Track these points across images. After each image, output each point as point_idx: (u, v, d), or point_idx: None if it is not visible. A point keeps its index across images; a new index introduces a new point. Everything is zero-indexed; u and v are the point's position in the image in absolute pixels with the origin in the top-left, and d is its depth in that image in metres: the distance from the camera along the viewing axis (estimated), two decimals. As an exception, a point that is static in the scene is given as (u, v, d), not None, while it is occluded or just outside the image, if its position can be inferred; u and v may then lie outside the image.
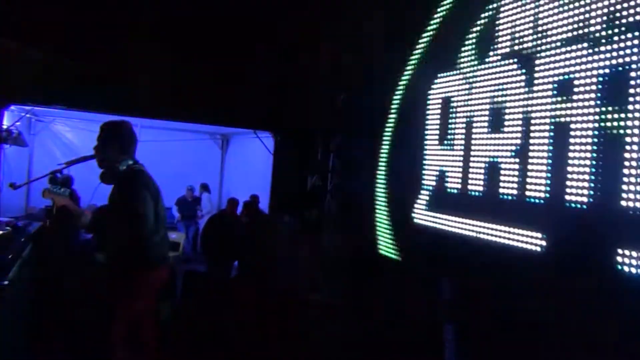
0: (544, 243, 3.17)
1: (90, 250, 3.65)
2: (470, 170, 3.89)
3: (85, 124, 9.37)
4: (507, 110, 3.56)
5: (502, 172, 3.55)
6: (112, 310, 3.39)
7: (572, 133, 3.02)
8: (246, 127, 8.44)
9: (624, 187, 2.67)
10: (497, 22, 3.71)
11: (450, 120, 4.19)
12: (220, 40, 6.50)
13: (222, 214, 8.00)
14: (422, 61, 4.66)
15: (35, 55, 5.72)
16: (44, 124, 10.47)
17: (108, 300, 3.45)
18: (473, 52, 3.96)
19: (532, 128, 3.33)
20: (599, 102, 2.87)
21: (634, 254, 2.59)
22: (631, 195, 2.63)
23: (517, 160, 3.43)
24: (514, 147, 3.47)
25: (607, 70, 2.83)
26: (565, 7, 3.15)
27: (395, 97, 5.03)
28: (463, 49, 4.08)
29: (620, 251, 2.67)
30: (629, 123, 2.67)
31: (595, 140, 2.87)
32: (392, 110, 5.05)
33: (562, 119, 3.09)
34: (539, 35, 3.33)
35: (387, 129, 5.13)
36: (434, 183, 4.33)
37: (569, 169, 3.01)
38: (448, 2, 4.36)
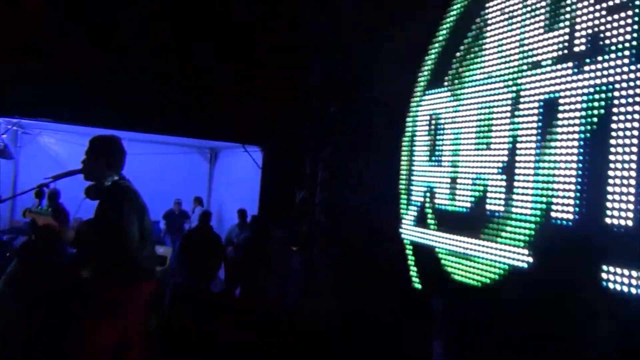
0: (530, 259, 3.20)
1: (75, 265, 3.61)
2: (458, 186, 3.92)
3: (72, 137, 9.32)
4: (493, 128, 3.60)
5: (489, 188, 3.59)
6: (97, 328, 3.34)
7: (557, 151, 3.06)
8: (234, 141, 8.45)
9: (609, 204, 2.71)
10: (484, 41, 3.77)
11: (438, 137, 4.22)
12: (208, 55, 6.52)
13: (200, 227, 8.01)
14: (411, 77, 4.70)
15: (23, 67, 5.70)
16: (30, 136, 10.40)
17: (93, 318, 3.40)
18: (460, 70, 4.01)
19: (518, 145, 3.37)
20: (583, 120, 2.92)
21: (619, 270, 2.62)
22: (615, 213, 2.67)
23: (504, 177, 3.46)
24: (500, 164, 3.51)
25: (591, 90, 2.88)
26: (550, 27, 3.21)
27: (385, 111, 5.06)
28: (450, 66, 4.13)
29: (605, 268, 2.70)
30: (613, 142, 2.72)
31: (581, 157, 2.91)
32: (383, 124, 5.07)
33: (548, 137, 3.14)
34: (525, 54, 3.39)
35: (377, 142, 5.16)
36: (421, 199, 4.35)
37: (555, 185, 3.05)
38: (440, 21, 4.42)
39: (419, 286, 4.23)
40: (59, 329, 3.55)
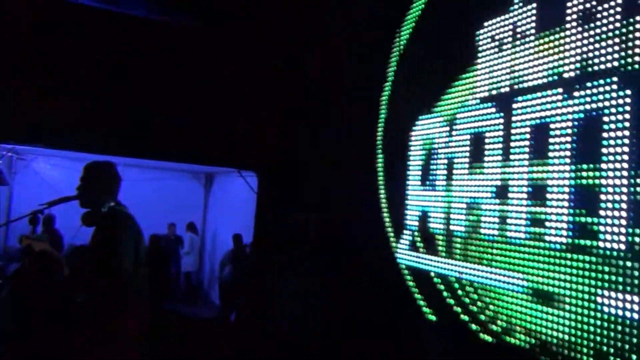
0: (524, 283, 3.20)
1: (69, 291, 3.58)
2: (452, 210, 3.94)
3: (67, 163, 9.33)
4: (486, 152, 3.64)
5: (483, 212, 3.61)
6: (90, 354, 3.30)
7: (550, 175, 3.09)
8: (229, 166, 8.45)
9: (601, 227, 2.73)
10: (476, 67, 3.83)
11: (431, 161, 4.26)
12: (202, 80, 6.57)
13: None
14: (403, 102, 4.76)
15: (17, 94, 5.72)
16: (25, 162, 10.39)
17: (86, 343, 3.36)
18: (452, 95, 4.06)
19: (510, 170, 3.40)
20: (574, 144, 2.96)
21: (613, 294, 2.63)
22: (607, 237, 2.69)
23: (497, 201, 3.49)
24: (494, 189, 3.54)
25: (581, 115, 2.93)
26: (540, 54, 3.27)
27: (377, 136, 5.10)
28: (443, 92, 4.18)
29: (600, 292, 2.71)
30: (604, 166, 2.75)
31: (572, 182, 2.95)
32: (377, 149, 5.11)
33: (540, 161, 3.17)
34: (515, 80, 3.44)
35: (370, 166, 5.19)
36: (416, 223, 4.37)
37: (548, 210, 3.08)
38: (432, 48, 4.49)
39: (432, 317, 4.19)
40: (52, 354, 3.51)
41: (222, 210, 11.68)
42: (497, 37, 3.65)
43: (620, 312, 2.59)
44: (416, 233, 4.35)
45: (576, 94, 2.98)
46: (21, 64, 5.71)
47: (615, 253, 2.65)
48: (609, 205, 2.70)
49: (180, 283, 11.26)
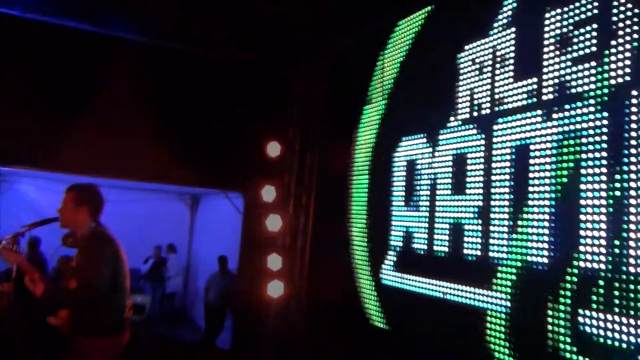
0: (507, 303, 3.21)
1: (43, 313, 3.53)
2: (435, 231, 3.96)
3: (51, 184, 9.24)
4: (468, 173, 3.67)
5: (466, 233, 3.63)
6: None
7: (530, 195, 3.13)
8: (215, 187, 8.44)
9: (582, 248, 2.75)
10: (457, 89, 3.89)
11: (415, 182, 4.29)
12: (187, 102, 6.59)
13: None
14: (386, 123, 4.80)
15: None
16: (8, 184, 10.29)
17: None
18: (435, 116, 4.11)
19: (492, 190, 3.43)
20: (554, 166, 3.00)
21: (594, 314, 2.65)
22: (588, 257, 2.71)
23: (480, 221, 3.51)
24: (476, 209, 3.56)
25: (560, 137, 2.98)
26: (519, 76, 3.33)
27: (362, 156, 5.13)
28: (425, 112, 4.23)
29: (581, 312, 2.72)
30: (583, 186, 2.79)
31: (553, 202, 2.98)
32: (360, 169, 5.13)
33: (521, 182, 3.21)
34: (496, 102, 3.50)
35: (355, 187, 5.20)
36: (400, 244, 4.37)
37: (529, 230, 3.10)
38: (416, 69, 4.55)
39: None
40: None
41: (207, 231, 11.63)
42: (477, 60, 3.72)
43: (601, 333, 2.60)
44: (400, 253, 4.35)
45: (555, 115, 3.03)
46: (2, 86, 5.68)
47: (596, 273, 2.67)
48: (589, 225, 2.73)
49: (165, 305, 11.13)
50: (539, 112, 3.14)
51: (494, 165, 3.44)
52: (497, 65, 3.52)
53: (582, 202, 2.78)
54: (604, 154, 2.71)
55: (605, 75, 2.76)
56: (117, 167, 6.45)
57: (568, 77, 2.99)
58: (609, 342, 2.56)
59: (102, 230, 3.47)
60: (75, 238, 3.49)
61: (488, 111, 3.56)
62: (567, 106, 2.96)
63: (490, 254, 3.38)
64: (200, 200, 12.43)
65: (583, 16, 2.94)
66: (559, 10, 3.09)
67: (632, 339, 2.45)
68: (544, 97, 3.13)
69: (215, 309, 8.92)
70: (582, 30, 2.93)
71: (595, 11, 2.87)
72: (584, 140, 2.83)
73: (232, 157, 6.83)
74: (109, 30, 5.95)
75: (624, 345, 2.48)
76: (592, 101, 2.82)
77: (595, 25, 2.86)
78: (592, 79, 2.83)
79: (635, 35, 2.63)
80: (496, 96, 3.50)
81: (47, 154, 6.00)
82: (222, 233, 9.70)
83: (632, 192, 2.53)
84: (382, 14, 4.85)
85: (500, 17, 3.55)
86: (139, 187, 10.11)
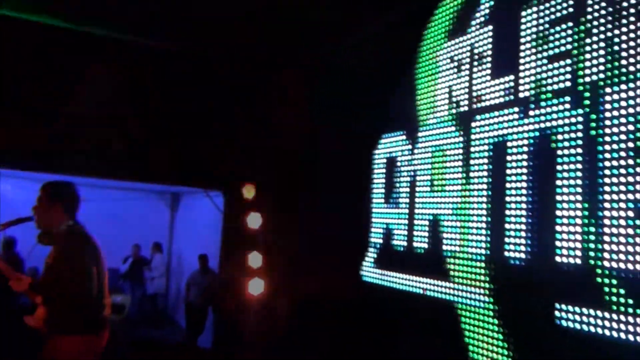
0: (485, 298, 3.24)
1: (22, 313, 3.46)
2: (415, 227, 3.98)
3: (28, 183, 9.08)
4: (447, 170, 3.70)
5: (445, 229, 3.65)
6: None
7: (507, 192, 3.16)
8: (195, 186, 8.37)
9: (558, 243, 2.79)
10: (436, 86, 3.91)
11: (394, 179, 4.31)
12: (167, 99, 6.53)
13: None
14: (368, 120, 4.81)
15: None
16: (-17, 183, 10.09)
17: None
18: (415, 114, 4.13)
19: (470, 187, 3.47)
20: (530, 162, 3.04)
21: (570, 308, 2.69)
22: (564, 252, 2.75)
23: (459, 217, 3.54)
24: (455, 205, 3.59)
25: (537, 133, 3.01)
26: (497, 74, 3.36)
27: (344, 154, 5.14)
28: (405, 110, 4.25)
29: (558, 305, 2.76)
30: (559, 182, 2.83)
31: (530, 198, 3.02)
32: (342, 167, 5.14)
33: (498, 178, 3.24)
34: (474, 99, 3.53)
35: (338, 185, 5.21)
36: (380, 240, 4.39)
37: (507, 226, 3.14)
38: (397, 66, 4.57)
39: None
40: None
41: (188, 230, 11.53)
42: (455, 58, 3.74)
43: (576, 326, 2.64)
44: (380, 249, 4.37)
45: (531, 112, 3.06)
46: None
47: (572, 268, 2.71)
48: (565, 220, 2.77)
49: (145, 306, 11.01)
50: (516, 109, 3.18)
51: (472, 162, 3.47)
52: (475, 63, 3.55)
53: (559, 197, 2.82)
54: (580, 150, 2.75)
55: (580, 72, 2.80)
56: (95, 165, 6.36)
57: (544, 75, 3.02)
58: (585, 334, 2.60)
59: (79, 228, 3.42)
60: (51, 236, 3.43)
61: (466, 108, 3.59)
62: (543, 103, 3.00)
63: (470, 249, 3.41)
64: (181, 199, 12.33)
65: (559, 14, 2.98)
66: (535, 9, 3.13)
67: (607, 332, 2.49)
68: (521, 95, 3.16)
69: (196, 308, 8.85)
70: (557, 29, 2.97)
71: (571, 9, 2.91)
72: (559, 137, 2.87)
73: (213, 155, 6.79)
74: (86, 25, 5.86)
75: (600, 338, 2.52)
76: (567, 98, 2.86)
77: (570, 24, 2.90)
78: (568, 76, 2.87)
79: (609, 34, 2.67)
80: (474, 93, 3.53)
81: (24, 153, 5.90)
82: (202, 232, 9.63)
83: (607, 188, 2.57)
84: (380, 13, 4.83)
85: (477, 15, 3.58)
86: (118, 185, 9.99)
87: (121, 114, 6.32)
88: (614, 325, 2.46)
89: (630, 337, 2.38)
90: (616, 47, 2.62)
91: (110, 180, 8.80)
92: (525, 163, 3.07)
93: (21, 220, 3.47)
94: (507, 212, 3.15)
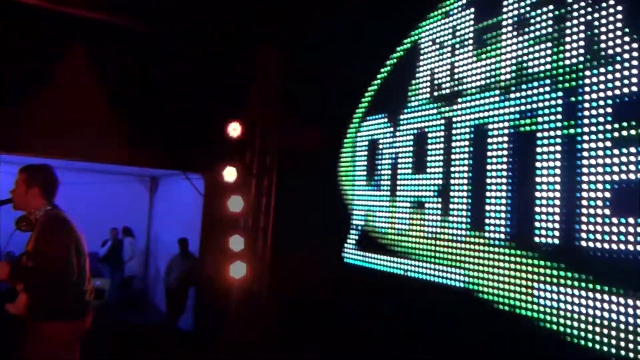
0: (467, 279, 3.30)
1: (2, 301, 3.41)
2: (396, 209, 4.01)
3: (6, 167, 8.90)
4: (428, 152, 3.73)
5: (427, 211, 3.69)
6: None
7: (488, 173, 3.20)
8: (174, 168, 8.30)
9: (536, 224, 2.84)
10: (418, 69, 3.92)
11: (376, 162, 4.32)
12: (146, 81, 6.44)
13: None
14: (352, 104, 4.81)
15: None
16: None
17: (22, 355, 3.21)
18: (397, 96, 4.14)
19: (452, 169, 3.50)
20: (511, 145, 3.07)
21: (549, 287, 2.75)
22: (543, 232, 2.80)
23: (440, 199, 3.58)
24: (436, 187, 3.62)
25: (517, 116, 3.05)
26: (478, 57, 3.38)
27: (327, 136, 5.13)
28: (388, 93, 4.26)
29: (536, 285, 2.82)
30: (538, 164, 2.87)
31: (510, 180, 3.06)
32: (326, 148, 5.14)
33: (479, 160, 3.28)
34: (456, 82, 3.55)
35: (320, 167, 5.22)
36: (362, 222, 4.42)
37: (487, 207, 3.18)
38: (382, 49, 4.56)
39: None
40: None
41: (167, 213, 11.46)
42: (437, 40, 3.75)
43: (555, 305, 2.70)
44: (362, 232, 4.40)
45: (512, 95, 3.09)
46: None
47: (550, 248, 2.76)
48: (544, 202, 2.82)
49: (124, 289, 10.96)
50: (497, 92, 3.21)
51: (454, 144, 3.50)
52: (457, 45, 3.56)
53: (538, 179, 2.87)
54: (559, 132, 2.79)
55: (561, 55, 2.83)
56: (73, 148, 6.27)
57: (525, 57, 3.05)
58: (562, 314, 2.67)
59: (57, 212, 3.37)
60: (29, 221, 3.38)
61: (448, 91, 3.61)
62: (524, 86, 3.03)
63: (451, 231, 3.45)
64: (160, 182, 12.23)
65: (539, -3, 2.99)
66: (516, -9, 3.14)
67: (584, 310, 2.56)
68: (502, 77, 3.19)
69: (176, 291, 8.85)
70: (539, 12, 2.99)
71: (551, -7, 2.93)
72: (539, 119, 2.91)
73: (192, 138, 6.73)
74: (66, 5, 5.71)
75: (580, 317, 2.59)
76: (547, 81, 2.89)
77: (551, 7, 2.92)
78: (548, 59, 2.90)
79: (589, 17, 2.70)
80: (456, 76, 3.54)
81: (1, 135, 5.79)
82: (182, 215, 9.58)
83: (585, 170, 2.62)
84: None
85: (460, -4, 3.59)
86: (96, 168, 9.87)
87: (100, 95, 6.23)
88: (591, 303, 2.52)
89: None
90: (595, 31, 2.65)
91: (88, 163, 8.69)
92: (505, 145, 3.11)
93: (-1, 203, 3.41)
94: (487, 194, 3.19)
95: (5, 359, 3.32)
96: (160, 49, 6.38)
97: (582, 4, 2.74)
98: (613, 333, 2.42)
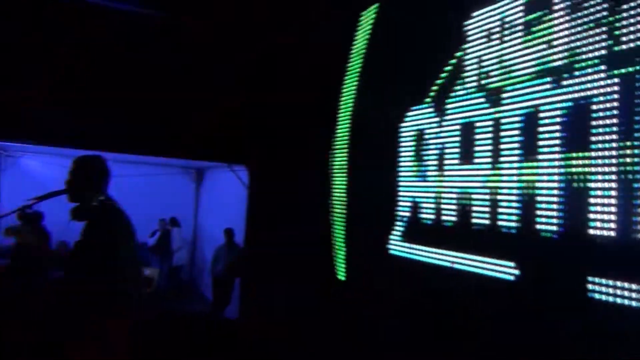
0: (516, 272, 3.22)
1: (59, 289, 3.53)
2: (443, 201, 3.95)
3: (56, 159, 9.25)
4: (476, 142, 3.65)
5: (474, 202, 3.62)
6: (79, 355, 3.24)
7: (539, 163, 3.11)
8: (219, 160, 8.44)
9: (591, 215, 2.75)
10: (465, 58, 3.84)
11: (422, 152, 4.27)
12: (190, 74, 6.55)
13: None
14: (396, 94, 4.76)
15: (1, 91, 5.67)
16: (13, 159, 10.30)
17: (76, 344, 3.28)
18: (443, 86, 4.06)
19: (500, 159, 3.42)
20: (563, 133, 2.98)
21: (603, 281, 2.66)
22: (598, 224, 2.71)
23: (488, 190, 3.50)
24: (484, 178, 3.55)
25: (570, 104, 2.95)
26: (528, 44, 3.28)
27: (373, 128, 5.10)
28: (433, 82, 4.18)
29: (590, 279, 2.73)
30: (593, 154, 2.77)
31: (562, 170, 2.96)
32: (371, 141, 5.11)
33: (530, 150, 3.19)
34: (505, 70, 3.45)
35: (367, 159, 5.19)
36: (408, 214, 4.38)
37: (538, 198, 3.10)
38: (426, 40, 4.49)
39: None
40: (40, 354, 3.46)
41: (213, 204, 11.67)
42: (485, 28, 3.66)
43: (610, 299, 2.61)
44: (408, 224, 4.36)
45: (564, 82, 2.99)
46: (4, 59, 5.65)
47: (605, 240, 2.67)
48: (599, 192, 2.72)
49: (172, 278, 11.25)
50: (548, 79, 3.10)
51: (502, 133, 3.42)
52: (506, 33, 3.46)
53: (592, 169, 2.77)
54: (615, 120, 2.68)
55: (616, 40, 2.71)
56: (121, 141, 6.45)
57: (578, 43, 2.94)
58: (612, 306, 2.57)
59: (112, 203, 3.47)
60: (84, 212, 3.48)
61: (496, 79, 3.52)
62: (577, 72, 2.92)
63: (499, 222, 3.38)
64: (205, 174, 12.45)
65: (594, -20, 2.87)
66: (569, -25, 3.02)
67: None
68: (553, 64, 3.08)
69: (223, 280, 9.01)
70: (593, -5, 2.87)
71: (607, -26, 2.80)
72: (594, 107, 2.80)
73: (237, 130, 6.81)
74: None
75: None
76: (602, 67, 2.78)
77: (606, -11, 2.80)
78: (603, 44, 2.79)
79: (648, -1, 2.57)
80: (505, 64, 3.45)
81: (50, 129, 6.00)
82: (227, 206, 9.73)
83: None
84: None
85: (508, -17, 3.48)
86: (142, 160, 10.12)
87: (146, 88, 6.36)
88: (649, 298, 2.43)
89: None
90: (656, 13, 2.53)
91: (136, 156, 8.92)
92: (557, 134, 3.01)
93: (54, 193, 3.52)
94: (538, 184, 3.10)
95: (57, 349, 3.40)
96: (213, 40, 6.45)
97: (640, -15, 2.62)
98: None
